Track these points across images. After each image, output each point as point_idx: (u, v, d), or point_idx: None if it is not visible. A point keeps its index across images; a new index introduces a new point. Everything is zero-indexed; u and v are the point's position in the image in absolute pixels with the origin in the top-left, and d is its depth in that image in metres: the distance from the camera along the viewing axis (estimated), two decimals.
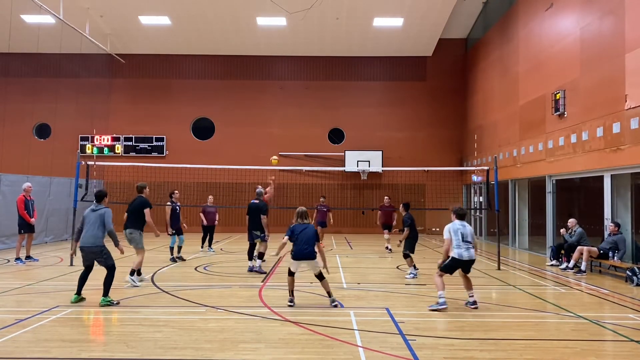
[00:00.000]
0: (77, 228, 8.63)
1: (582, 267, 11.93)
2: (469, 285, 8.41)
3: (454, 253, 8.30)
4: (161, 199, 16.67)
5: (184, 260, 13.43)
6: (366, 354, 5.75)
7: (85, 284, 8.30)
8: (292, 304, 8.13)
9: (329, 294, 8.25)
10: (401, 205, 12.00)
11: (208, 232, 15.63)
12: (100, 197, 8.62)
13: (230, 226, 22.80)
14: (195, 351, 5.81)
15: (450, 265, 8.35)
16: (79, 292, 8.24)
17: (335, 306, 8.10)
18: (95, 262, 8.29)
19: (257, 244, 11.80)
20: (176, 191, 14.11)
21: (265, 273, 11.47)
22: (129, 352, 5.78)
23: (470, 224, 23.88)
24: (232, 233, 22.38)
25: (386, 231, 16.32)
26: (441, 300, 8.06)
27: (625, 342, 6.40)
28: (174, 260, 13.30)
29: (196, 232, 17.17)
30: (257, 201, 11.89)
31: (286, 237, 8.36)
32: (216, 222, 15.84)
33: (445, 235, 8.47)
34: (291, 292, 8.30)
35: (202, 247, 15.75)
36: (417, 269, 11.35)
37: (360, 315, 7.55)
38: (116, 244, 8.53)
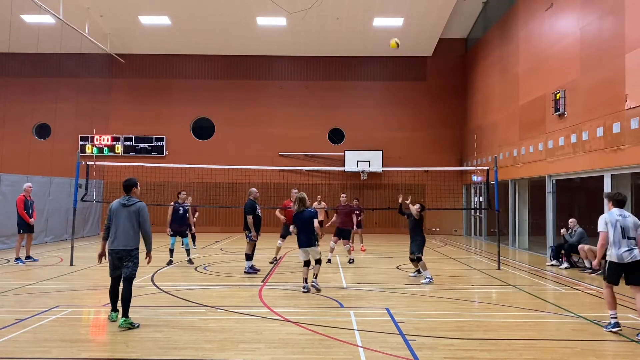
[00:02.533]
0: (105, 225, 7.10)
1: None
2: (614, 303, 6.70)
3: (609, 255, 6.64)
4: (161, 199, 16.71)
5: (192, 263, 12.93)
6: (366, 354, 5.75)
7: (83, 283, 8.19)
8: (305, 289, 9.12)
9: (315, 276, 9.28)
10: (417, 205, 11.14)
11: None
12: (129, 186, 7.06)
13: (230, 226, 22.81)
14: (195, 351, 5.80)
15: (611, 271, 6.64)
16: (115, 308, 6.99)
17: (316, 289, 9.17)
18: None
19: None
20: (183, 192, 13.70)
21: (257, 271, 11.48)
22: (129, 352, 5.78)
23: (470, 224, 24.19)
24: (232, 233, 22.37)
25: (340, 239, 13.49)
26: (613, 321, 6.65)
27: (625, 342, 6.40)
28: (170, 262, 12.82)
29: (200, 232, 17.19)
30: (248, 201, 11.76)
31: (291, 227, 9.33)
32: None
33: (601, 227, 6.64)
34: (305, 280, 9.23)
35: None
36: (418, 274, 11.02)
37: (360, 315, 7.55)
38: (148, 251, 7.03)
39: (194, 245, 16.27)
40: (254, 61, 25.27)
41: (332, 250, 13.50)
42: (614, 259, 6.59)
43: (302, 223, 9.28)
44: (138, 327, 6.67)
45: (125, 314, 6.68)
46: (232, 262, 13.61)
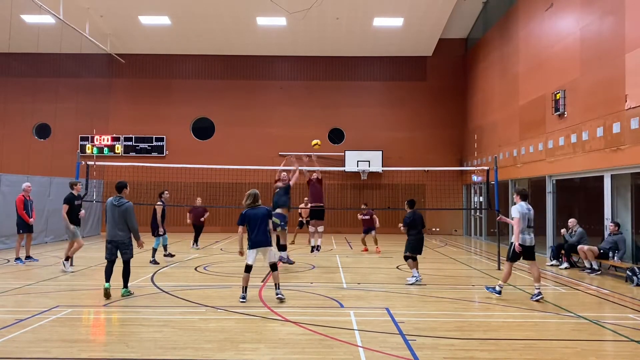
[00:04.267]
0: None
1: (595, 266, 11.92)
2: (538, 276, 8.67)
3: (519, 238, 8.47)
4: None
5: (173, 255, 13.73)
6: (366, 354, 5.74)
7: (83, 283, 8.28)
8: (244, 300, 8.29)
9: (277, 286, 8.51)
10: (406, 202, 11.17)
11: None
12: (120, 188, 8.69)
13: (230, 226, 22.79)
14: (195, 351, 5.80)
15: (516, 253, 8.59)
16: (108, 280, 8.47)
17: (280, 299, 8.32)
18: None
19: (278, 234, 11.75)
20: (166, 191, 14.09)
21: (292, 262, 12.06)
22: (129, 352, 5.77)
23: (471, 224, 24.19)
24: (232, 233, 22.35)
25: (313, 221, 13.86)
26: (498, 288, 8.74)
27: (625, 342, 6.40)
28: (155, 262, 12.72)
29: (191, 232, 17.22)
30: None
31: (240, 228, 8.41)
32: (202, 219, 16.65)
33: (515, 214, 8.50)
34: (244, 289, 8.45)
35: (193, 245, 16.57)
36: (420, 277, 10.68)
37: (360, 315, 7.54)
38: (137, 239, 8.68)
39: (197, 245, 16.68)
40: (254, 61, 25.27)
41: (312, 234, 13.61)
42: (520, 242, 8.47)
43: (255, 220, 8.33)
44: (133, 294, 8.65)
45: (125, 285, 8.64)
46: (232, 262, 13.60)
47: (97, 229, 22.01)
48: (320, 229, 13.72)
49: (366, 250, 16.20)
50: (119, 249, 8.54)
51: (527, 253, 8.73)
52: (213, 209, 23.20)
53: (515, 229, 8.67)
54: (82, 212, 11.99)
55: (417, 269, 10.45)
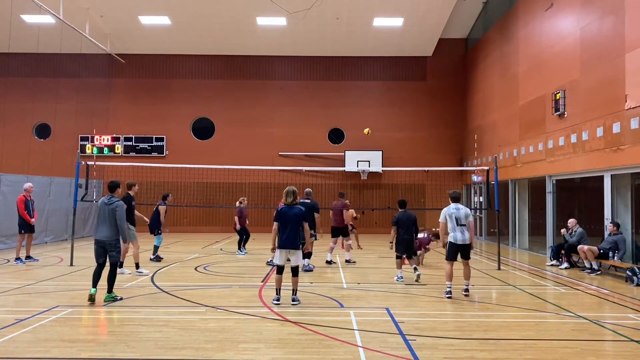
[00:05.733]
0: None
1: (595, 266, 11.92)
2: (467, 274, 9.01)
3: (450, 237, 8.86)
4: (160, 199, 16.64)
5: (161, 259, 13.35)
6: (366, 354, 5.75)
7: (83, 283, 8.25)
8: (277, 302, 8.11)
9: (294, 292, 8.22)
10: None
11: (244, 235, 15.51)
12: (113, 187, 8.62)
13: (230, 226, 22.75)
14: (195, 351, 5.80)
15: (449, 251, 8.93)
16: (95, 286, 8.15)
17: (295, 305, 8.05)
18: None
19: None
20: (170, 195, 14.24)
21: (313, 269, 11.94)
22: (129, 352, 5.78)
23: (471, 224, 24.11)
24: (232, 233, 22.34)
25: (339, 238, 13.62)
26: (447, 289, 8.87)
27: (625, 342, 6.40)
28: (157, 259, 13.25)
29: (197, 233, 17.19)
30: (308, 201, 11.49)
31: (275, 224, 8.25)
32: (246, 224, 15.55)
33: (441, 218, 9.01)
34: (278, 291, 8.26)
35: (239, 249, 15.55)
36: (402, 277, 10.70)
37: (360, 315, 7.55)
38: (124, 240, 8.57)
39: (244, 250, 15.49)
40: (254, 61, 25.26)
41: (331, 250, 13.42)
42: (452, 240, 8.84)
43: (286, 219, 8.18)
44: (122, 299, 8.30)
45: (110, 290, 8.27)
46: (232, 262, 13.61)
47: None
48: (348, 241, 13.62)
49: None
50: (106, 250, 8.25)
51: (462, 251, 8.96)
52: (213, 209, 23.25)
53: (441, 230, 9.21)
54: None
55: (400, 268, 10.71)
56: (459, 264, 9.10)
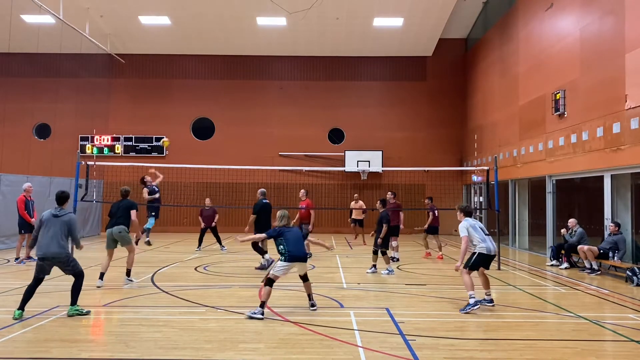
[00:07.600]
0: (33, 234, 7.71)
1: (595, 266, 11.92)
2: (488, 283, 8.47)
3: (481, 248, 8.18)
4: (161, 199, 16.65)
5: (151, 244, 13.97)
6: (366, 354, 5.75)
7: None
8: (262, 316, 7.27)
9: (310, 297, 7.95)
10: (378, 201, 12.13)
11: (204, 233, 16.51)
12: (63, 199, 7.67)
13: (230, 226, 22.77)
14: (195, 351, 5.81)
15: (478, 262, 8.25)
16: (22, 307, 7.20)
17: (314, 309, 7.81)
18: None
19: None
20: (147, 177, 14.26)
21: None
22: (129, 352, 5.78)
23: None
24: (232, 233, 22.34)
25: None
26: (472, 300, 7.90)
27: (625, 342, 6.40)
28: (149, 243, 13.66)
29: (195, 232, 17.23)
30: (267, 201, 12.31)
31: (263, 235, 8.38)
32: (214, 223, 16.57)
33: (463, 232, 8.21)
34: (310, 297, 7.96)
35: (198, 247, 16.28)
36: (377, 269, 11.63)
37: (360, 315, 7.55)
38: (77, 246, 7.86)
39: (224, 247, 16.30)
40: (254, 61, 25.26)
41: (396, 248, 13.92)
42: (485, 252, 8.19)
43: (292, 237, 7.95)
44: (88, 313, 7.40)
45: (74, 302, 7.36)
46: (232, 262, 13.61)
47: (97, 229, 22.01)
48: (394, 243, 13.82)
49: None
50: (56, 267, 7.39)
51: (489, 260, 8.49)
52: None
53: (464, 244, 8.32)
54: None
55: (374, 262, 11.70)
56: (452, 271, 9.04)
